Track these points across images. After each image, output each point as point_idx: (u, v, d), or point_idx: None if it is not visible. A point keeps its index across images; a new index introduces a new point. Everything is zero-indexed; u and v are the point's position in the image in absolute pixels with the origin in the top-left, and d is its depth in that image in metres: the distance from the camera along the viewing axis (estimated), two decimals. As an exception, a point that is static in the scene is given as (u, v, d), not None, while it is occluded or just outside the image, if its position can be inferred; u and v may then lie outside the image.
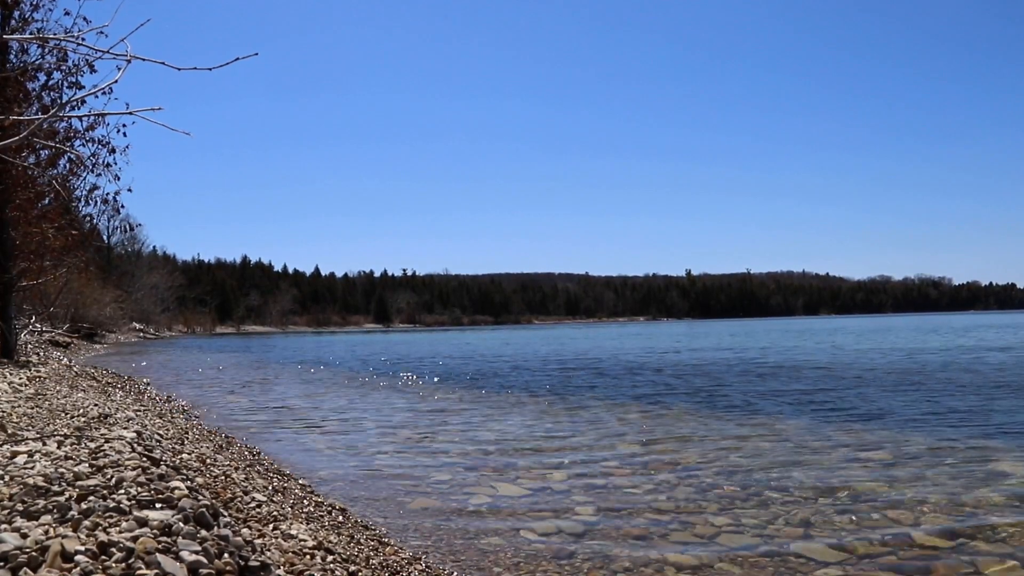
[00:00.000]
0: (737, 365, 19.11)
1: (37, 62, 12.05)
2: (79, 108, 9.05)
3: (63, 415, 6.16)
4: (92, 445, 4.15)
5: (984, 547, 4.19)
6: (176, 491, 3.21)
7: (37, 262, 14.43)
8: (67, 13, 15.99)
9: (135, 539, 2.58)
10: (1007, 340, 28.62)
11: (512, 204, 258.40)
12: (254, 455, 7.01)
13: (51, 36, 5.06)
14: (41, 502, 2.86)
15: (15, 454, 3.80)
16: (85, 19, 9.62)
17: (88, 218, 15.98)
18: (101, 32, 4.75)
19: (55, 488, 3.05)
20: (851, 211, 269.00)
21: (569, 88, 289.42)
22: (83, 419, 5.85)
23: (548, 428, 8.89)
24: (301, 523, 4.20)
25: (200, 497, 3.30)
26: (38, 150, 12.30)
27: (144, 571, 2.39)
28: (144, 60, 3.93)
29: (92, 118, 12.05)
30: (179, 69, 4.04)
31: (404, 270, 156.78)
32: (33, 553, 2.39)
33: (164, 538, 2.65)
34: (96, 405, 7.40)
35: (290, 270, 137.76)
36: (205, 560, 2.59)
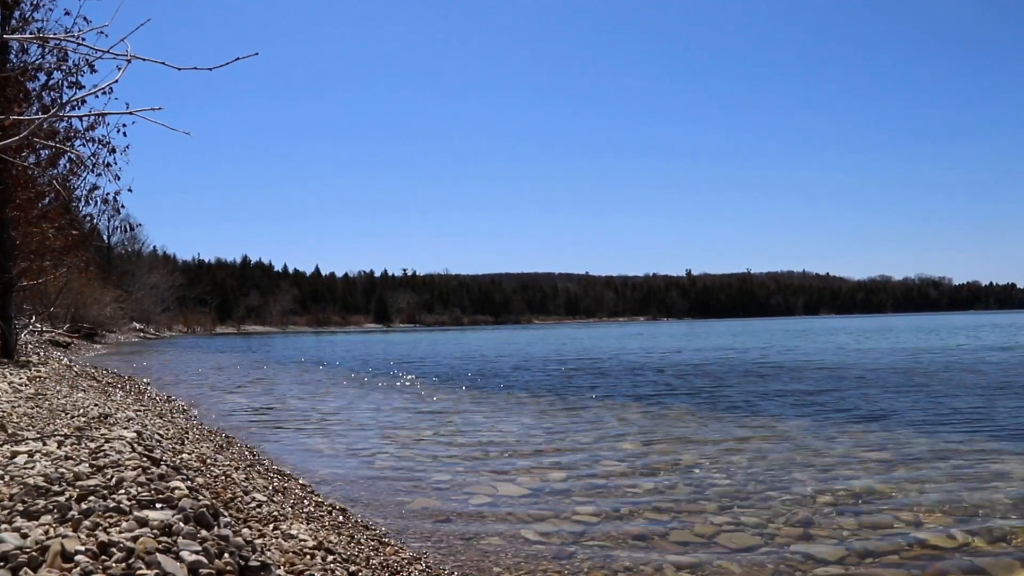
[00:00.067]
0: (738, 365, 19.11)
1: (37, 62, 12.05)
2: (79, 108, 9.05)
3: (63, 415, 6.16)
4: (92, 445, 4.15)
5: (986, 548, 4.19)
6: (176, 491, 3.21)
7: (37, 262, 14.42)
8: (67, 13, 16.02)
9: (135, 539, 2.58)
10: (1008, 340, 28.62)
11: (512, 204, 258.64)
12: (254, 455, 7.01)
13: (51, 36, 5.06)
14: (41, 502, 2.86)
15: (15, 454, 3.80)
16: (85, 19, 9.64)
17: (88, 218, 15.94)
18: (101, 32, 4.75)
19: (55, 488, 3.05)
20: (851, 211, 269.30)
21: (569, 88, 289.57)
22: (83, 419, 5.85)
23: (548, 428, 8.89)
24: (301, 523, 4.20)
25: (200, 497, 3.30)
26: (38, 150, 12.30)
27: (144, 571, 2.39)
28: (144, 60, 3.93)
29: (92, 118, 12.04)
30: (179, 69, 4.04)
31: (404, 270, 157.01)
32: (33, 553, 2.39)
33: (164, 538, 2.65)
34: (96, 405, 7.40)
35: (290, 270, 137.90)
36: (205, 560, 2.59)
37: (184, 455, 5.23)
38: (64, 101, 9.56)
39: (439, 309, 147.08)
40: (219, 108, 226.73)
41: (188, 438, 6.79)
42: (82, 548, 2.46)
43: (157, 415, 8.47)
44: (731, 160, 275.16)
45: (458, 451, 7.45)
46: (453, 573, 3.93)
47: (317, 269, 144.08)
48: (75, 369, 14.50)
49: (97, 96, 6.94)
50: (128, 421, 6.11)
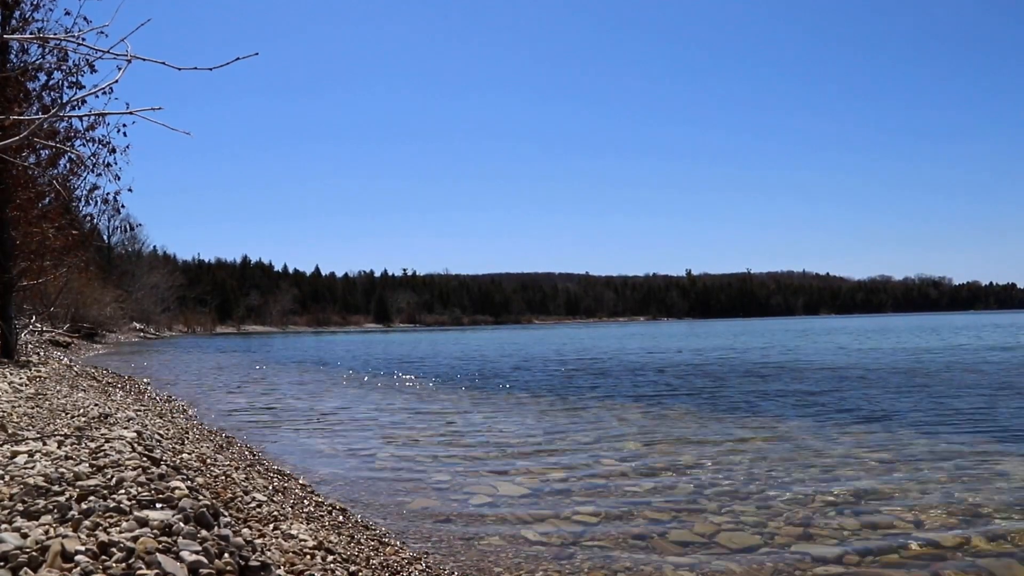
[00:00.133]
0: (739, 365, 19.11)
1: (37, 62, 12.06)
2: (79, 108, 9.05)
3: (63, 415, 6.17)
4: (92, 445, 4.15)
5: (987, 548, 4.19)
6: (176, 491, 3.21)
7: (37, 262, 14.43)
8: (67, 13, 16.03)
9: (135, 539, 2.58)
10: (1009, 340, 28.62)
11: (512, 204, 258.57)
12: (254, 455, 7.01)
13: (51, 36, 5.06)
14: (41, 502, 2.86)
15: (15, 454, 3.80)
16: (85, 19, 9.64)
17: (88, 218, 15.94)
18: (101, 32, 4.75)
19: (55, 488, 3.05)
20: (851, 211, 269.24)
21: (569, 88, 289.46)
22: (83, 419, 5.85)
23: (548, 428, 8.89)
24: (301, 523, 4.20)
25: (200, 497, 3.30)
26: (38, 150, 12.30)
27: (144, 571, 2.39)
28: (144, 60, 3.93)
29: (92, 118, 12.05)
30: (179, 69, 4.04)
31: (404, 270, 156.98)
32: (33, 553, 2.39)
33: (164, 538, 2.65)
34: (96, 405, 7.40)
35: (290, 270, 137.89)
36: (205, 560, 2.59)
37: (184, 455, 5.23)
38: (64, 101, 9.57)
39: (439, 309, 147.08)
40: (219, 108, 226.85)
41: (188, 438, 6.79)
42: (82, 548, 2.46)
43: (157, 415, 8.47)
44: (731, 160, 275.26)
45: (458, 451, 7.45)
46: (453, 573, 3.92)
47: (317, 269, 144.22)
48: (75, 369, 14.50)
49: (97, 96, 6.95)
50: (128, 421, 6.11)
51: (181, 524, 2.79)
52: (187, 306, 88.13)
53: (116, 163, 12.64)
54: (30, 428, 5.16)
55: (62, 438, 4.40)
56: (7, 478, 3.24)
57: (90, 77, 13.80)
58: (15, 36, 10.75)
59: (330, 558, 3.51)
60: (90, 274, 33.91)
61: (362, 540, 4.23)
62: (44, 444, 4.10)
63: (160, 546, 2.56)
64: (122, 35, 3.83)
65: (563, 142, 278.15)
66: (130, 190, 15.48)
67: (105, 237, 67.89)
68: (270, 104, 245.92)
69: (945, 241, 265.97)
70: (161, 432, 6.33)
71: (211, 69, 3.98)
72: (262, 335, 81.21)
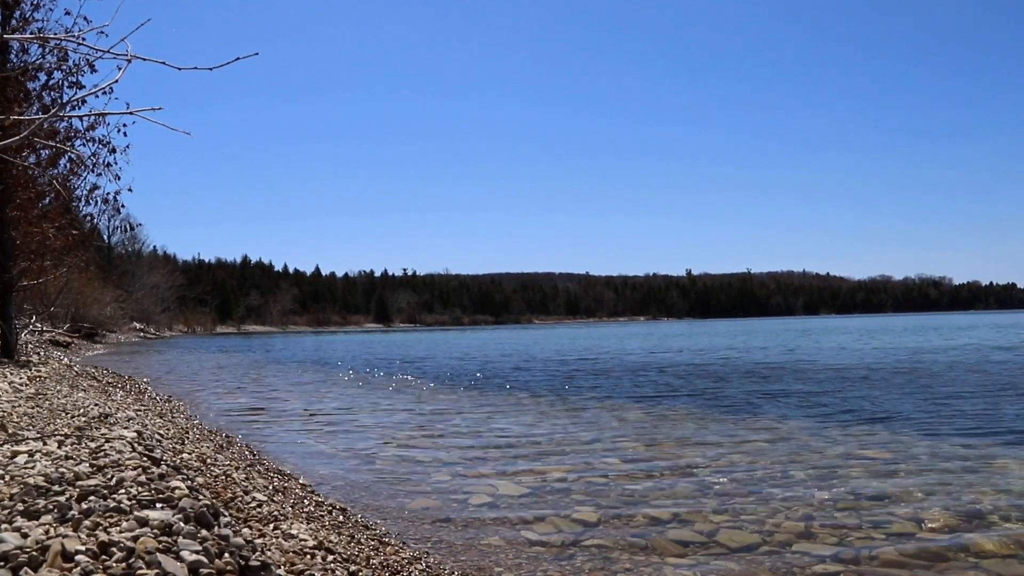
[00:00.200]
0: (740, 365, 19.11)
1: (38, 62, 12.07)
2: (79, 108, 9.06)
3: (63, 415, 6.17)
4: (92, 445, 4.15)
5: (988, 548, 4.19)
6: (176, 491, 3.21)
7: (37, 262, 14.43)
8: (67, 13, 16.04)
9: (136, 539, 2.58)
10: (1011, 340, 28.62)
11: (512, 204, 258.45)
12: (254, 455, 7.01)
13: (52, 36, 5.06)
14: (41, 502, 2.86)
15: (16, 454, 3.80)
16: (86, 19, 9.64)
17: (88, 218, 15.96)
18: (101, 32, 4.75)
19: (55, 488, 3.05)
20: (851, 211, 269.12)
21: (569, 88, 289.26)
22: (83, 419, 5.85)
23: (549, 428, 8.89)
24: (301, 523, 4.20)
25: (200, 497, 3.31)
26: (38, 150, 12.31)
27: (145, 571, 2.39)
28: (144, 60, 3.93)
29: (92, 118, 12.06)
30: (179, 69, 4.04)
31: (404, 270, 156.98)
32: (34, 553, 2.39)
33: (164, 538, 2.65)
34: (96, 405, 7.40)
35: (290, 270, 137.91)
36: (205, 560, 2.59)
37: (184, 455, 5.23)
38: (64, 101, 9.57)
39: (439, 309, 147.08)
40: (219, 108, 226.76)
41: (188, 438, 6.79)
42: (82, 548, 2.46)
43: (157, 415, 8.47)
44: (731, 160, 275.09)
45: (458, 451, 7.45)
46: (453, 573, 3.93)
47: (317, 269, 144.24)
48: (75, 369, 14.50)
49: (97, 96, 6.95)
50: (128, 421, 6.12)
51: (181, 524, 2.79)
52: (187, 306, 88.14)
53: (116, 163, 12.67)
54: (30, 428, 5.16)
55: (62, 438, 4.40)
56: (7, 478, 3.24)
57: (90, 77, 13.81)
58: (15, 36, 10.76)
59: (330, 558, 3.51)
60: (90, 274, 33.92)
61: (362, 540, 4.23)
62: (44, 444, 4.11)
63: (160, 546, 2.56)
64: (122, 35, 3.83)
65: (563, 142, 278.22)
66: (130, 190, 15.54)
67: (105, 237, 67.94)
68: (270, 104, 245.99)
69: (945, 241, 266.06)
70: (161, 432, 6.34)
71: (211, 69, 3.98)
72: (262, 335, 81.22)
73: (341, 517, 4.79)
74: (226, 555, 2.73)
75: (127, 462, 3.65)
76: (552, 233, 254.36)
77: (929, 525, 4.61)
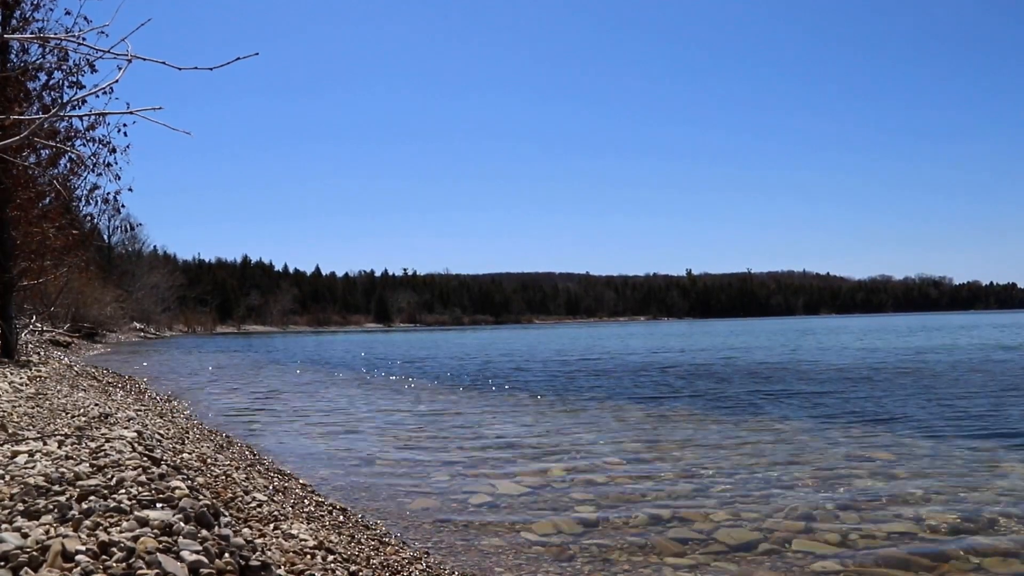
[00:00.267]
0: (740, 366, 19.11)
1: (38, 62, 12.07)
2: (80, 108, 9.05)
3: (64, 415, 6.17)
4: (93, 445, 4.15)
5: (988, 547, 4.19)
6: (177, 491, 3.21)
7: (38, 262, 14.44)
8: (68, 13, 16.03)
9: (136, 539, 2.58)
10: (1012, 340, 28.62)
11: (512, 204, 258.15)
12: (254, 455, 7.02)
13: (52, 36, 5.06)
14: (42, 502, 2.86)
15: (16, 454, 3.81)
16: (86, 19, 9.62)
17: (89, 218, 15.98)
18: (102, 32, 4.74)
19: (56, 488, 3.06)
20: (851, 211, 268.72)
21: (569, 88, 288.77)
22: (84, 419, 5.86)
23: (549, 428, 8.89)
24: (302, 523, 4.20)
25: (201, 497, 3.31)
26: (39, 150, 12.31)
27: (145, 571, 2.39)
28: (145, 60, 3.93)
29: (93, 118, 12.06)
30: (179, 69, 4.04)
31: (404, 269, 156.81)
32: (34, 553, 2.39)
33: (165, 538, 2.65)
34: (97, 405, 7.41)
35: (290, 270, 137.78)
36: (206, 560, 2.59)
37: (184, 455, 5.23)
38: (65, 101, 9.58)
39: (439, 309, 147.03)
40: (219, 108, 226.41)
41: (188, 438, 6.79)
42: (83, 548, 2.47)
43: (157, 415, 8.47)
44: (731, 160, 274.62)
45: (458, 451, 7.45)
46: (453, 573, 3.93)
47: (317, 269, 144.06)
48: (75, 369, 14.51)
49: (97, 96, 6.95)
50: (128, 421, 6.12)
51: (181, 524, 2.80)
52: (187, 306, 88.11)
53: (116, 163, 12.67)
54: (30, 428, 5.16)
55: (62, 438, 4.40)
56: (8, 478, 3.24)
57: (90, 77, 13.80)
58: (15, 36, 10.76)
59: (330, 558, 3.51)
60: (90, 274, 33.93)
61: (362, 540, 4.23)
62: (44, 444, 4.11)
63: (160, 546, 2.56)
64: (122, 35, 3.83)
65: (563, 142, 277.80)
66: (130, 190, 15.54)
67: (105, 237, 67.94)
68: (270, 104, 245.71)
69: (945, 241, 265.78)
70: (161, 432, 6.34)
71: (211, 69, 3.98)
72: (262, 335, 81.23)
73: (341, 517, 4.79)
74: (226, 555, 2.73)
75: (127, 462, 3.65)
76: (552, 233, 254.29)
77: (930, 525, 4.61)
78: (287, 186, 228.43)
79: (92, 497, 2.98)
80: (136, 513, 2.83)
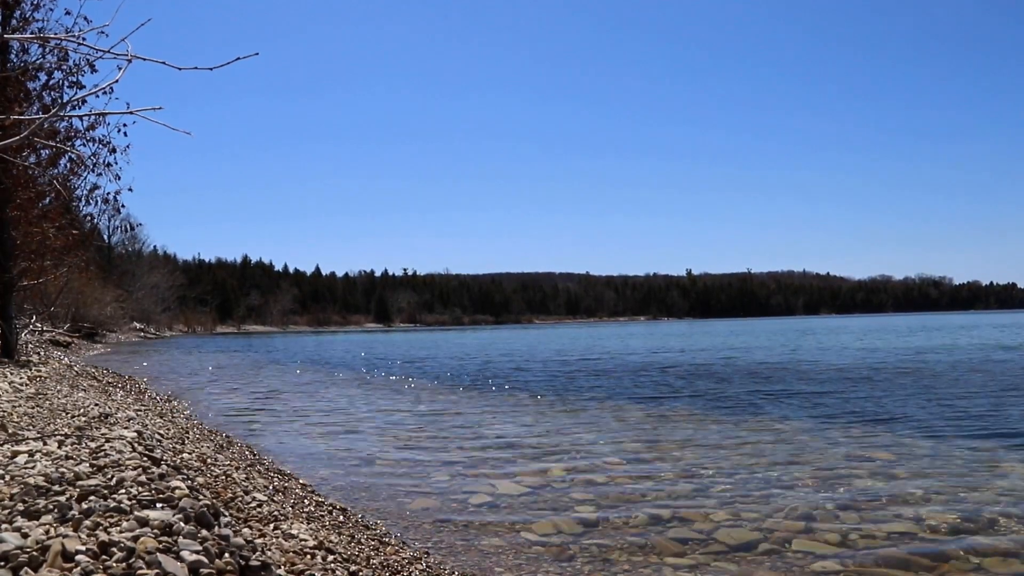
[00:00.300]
0: (741, 366, 19.11)
1: (38, 62, 12.07)
2: (80, 108, 9.05)
3: (64, 415, 6.17)
4: (93, 445, 4.15)
5: (988, 547, 4.19)
6: (177, 491, 3.21)
7: (38, 262, 14.44)
8: (68, 13, 16.02)
9: (136, 539, 2.58)
10: (1013, 339, 28.61)
11: (512, 204, 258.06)
12: (254, 455, 7.02)
13: (52, 36, 5.06)
14: (42, 502, 2.86)
15: (16, 454, 3.81)
16: (86, 19, 9.62)
17: (89, 218, 15.98)
18: (102, 32, 4.74)
19: (56, 488, 3.06)
20: (851, 211, 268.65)
21: (569, 88, 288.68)
22: (84, 419, 5.86)
23: (549, 428, 8.89)
24: (302, 523, 4.20)
25: (201, 497, 3.31)
26: (39, 150, 12.31)
27: (145, 571, 2.39)
28: (145, 60, 3.93)
29: (93, 118, 12.06)
30: (179, 69, 4.04)
31: (404, 269, 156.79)
32: (34, 553, 2.39)
33: (165, 538, 2.65)
34: (97, 405, 7.41)
35: (290, 270, 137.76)
36: (206, 560, 2.59)
37: (184, 455, 5.23)
38: (65, 101, 9.59)
39: (439, 309, 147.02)
40: (219, 108, 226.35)
41: (188, 438, 6.79)
42: (83, 548, 2.47)
43: (157, 415, 8.48)
44: (731, 160, 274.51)
45: (458, 451, 7.45)
46: (453, 573, 3.93)
47: (317, 269, 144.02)
48: (75, 369, 14.51)
49: (98, 96, 6.95)
50: (128, 421, 6.12)
51: (181, 524, 2.80)
52: (187, 306, 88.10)
53: (116, 163, 12.68)
54: (30, 428, 5.16)
55: (62, 438, 4.40)
56: (8, 478, 3.24)
57: (90, 77, 13.81)
58: (15, 36, 10.76)
59: (331, 558, 3.51)
60: (90, 274, 33.93)
61: (362, 540, 4.23)
62: (44, 444, 4.11)
63: (160, 546, 2.56)
64: (122, 35, 3.83)
65: (563, 142, 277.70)
66: (130, 190, 15.54)
67: (105, 237, 67.94)
68: (270, 104, 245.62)
69: (945, 241, 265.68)
70: (161, 432, 6.34)
71: (211, 69, 3.98)
72: (262, 335, 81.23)
73: (341, 517, 4.79)
74: (226, 555, 2.73)
75: (127, 462, 3.65)
76: (552, 233, 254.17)
77: (930, 525, 4.61)
78: (287, 186, 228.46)
79: (92, 497, 2.98)
80: (136, 513, 2.83)
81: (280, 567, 3.07)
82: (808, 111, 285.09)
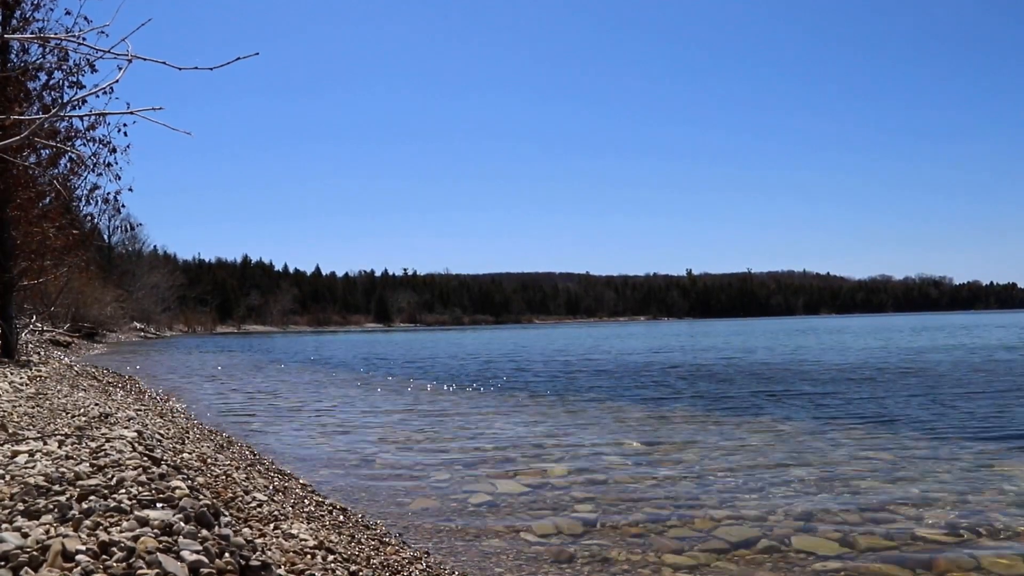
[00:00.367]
0: (741, 366, 19.11)
1: (38, 61, 12.08)
2: (80, 108, 9.06)
3: (64, 414, 6.17)
4: (93, 444, 4.15)
5: (988, 546, 4.19)
6: (177, 491, 3.21)
7: (38, 261, 14.44)
8: (68, 13, 16.00)
9: (136, 539, 2.58)
10: (1013, 339, 28.60)
11: (512, 204, 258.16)
12: (255, 455, 7.02)
13: (52, 36, 5.06)
14: (42, 501, 2.86)
15: (16, 453, 3.80)
16: (86, 19, 9.65)
17: (89, 217, 15.99)
18: (102, 32, 4.74)
19: (56, 488, 3.05)
20: (851, 211, 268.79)
21: (569, 88, 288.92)
22: (84, 418, 5.85)
23: (549, 428, 8.89)
24: (302, 523, 4.20)
25: (201, 497, 3.31)
26: (39, 150, 12.31)
27: (145, 570, 2.39)
28: (145, 60, 3.93)
29: (93, 118, 12.06)
30: (180, 69, 4.04)
31: (405, 269, 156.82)
32: (34, 552, 2.39)
33: (165, 537, 2.65)
34: (97, 404, 7.40)
35: (290, 269, 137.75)
36: (206, 560, 2.59)
37: (185, 455, 5.23)
38: (65, 101, 9.59)
39: (439, 309, 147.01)
40: (219, 108, 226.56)
41: (188, 438, 6.79)
42: (83, 547, 2.46)
43: (157, 415, 8.47)
44: (731, 160, 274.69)
45: (458, 451, 7.45)
46: (453, 573, 3.93)
47: (317, 269, 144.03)
48: (75, 369, 14.51)
49: (98, 96, 6.95)
50: (129, 421, 6.12)
51: (182, 524, 2.79)
52: (187, 306, 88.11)
53: (116, 163, 12.69)
54: (31, 428, 5.16)
55: (63, 438, 4.40)
56: (8, 478, 3.24)
57: (91, 77, 13.80)
58: (16, 36, 10.76)
59: (331, 558, 3.51)
60: (90, 274, 33.94)
61: (363, 540, 4.23)
62: (45, 444, 4.11)
63: (161, 546, 2.56)
64: (122, 35, 3.83)
65: (563, 142, 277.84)
66: (130, 190, 15.53)
67: (105, 237, 67.95)
68: (270, 104, 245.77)
69: (945, 241, 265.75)
70: (161, 432, 6.34)
71: (211, 69, 3.98)
72: (262, 335, 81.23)
73: (341, 517, 4.79)
74: (226, 555, 2.73)
75: (127, 462, 3.65)
76: (552, 233, 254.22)
77: (931, 525, 4.61)
78: (287, 186, 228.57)
79: (92, 497, 2.98)
80: (136, 513, 2.83)
81: (280, 567, 3.07)
82: (808, 111, 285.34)
